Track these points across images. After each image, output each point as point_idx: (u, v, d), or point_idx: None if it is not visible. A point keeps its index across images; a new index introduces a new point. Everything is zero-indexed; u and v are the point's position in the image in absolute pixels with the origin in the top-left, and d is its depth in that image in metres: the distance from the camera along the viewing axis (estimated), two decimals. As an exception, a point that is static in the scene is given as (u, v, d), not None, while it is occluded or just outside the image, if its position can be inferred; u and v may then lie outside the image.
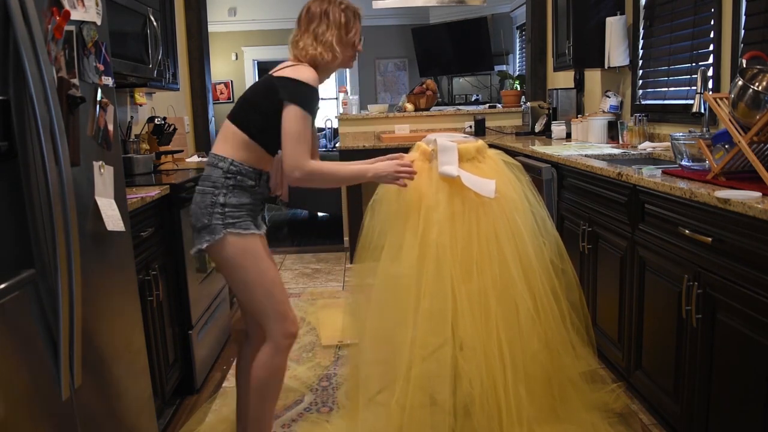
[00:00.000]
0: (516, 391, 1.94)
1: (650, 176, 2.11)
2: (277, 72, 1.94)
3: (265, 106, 1.90)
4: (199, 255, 1.94)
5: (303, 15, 2.02)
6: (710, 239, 1.77)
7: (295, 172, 1.87)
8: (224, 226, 1.85)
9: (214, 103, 4.89)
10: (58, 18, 1.37)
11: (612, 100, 3.70)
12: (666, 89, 3.23)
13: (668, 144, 2.82)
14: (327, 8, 1.98)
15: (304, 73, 1.90)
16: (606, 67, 3.65)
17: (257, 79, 8.98)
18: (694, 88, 2.66)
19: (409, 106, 5.22)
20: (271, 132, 1.89)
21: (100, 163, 1.60)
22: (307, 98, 1.88)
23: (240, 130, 1.91)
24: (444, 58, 8.41)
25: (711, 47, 2.77)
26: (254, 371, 1.97)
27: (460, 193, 2.00)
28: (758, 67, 1.97)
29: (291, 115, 1.86)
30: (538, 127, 4.63)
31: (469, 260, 1.99)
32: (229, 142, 1.92)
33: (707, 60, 2.80)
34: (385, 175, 1.98)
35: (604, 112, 3.72)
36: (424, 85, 5.32)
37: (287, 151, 1.86)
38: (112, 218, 1.61)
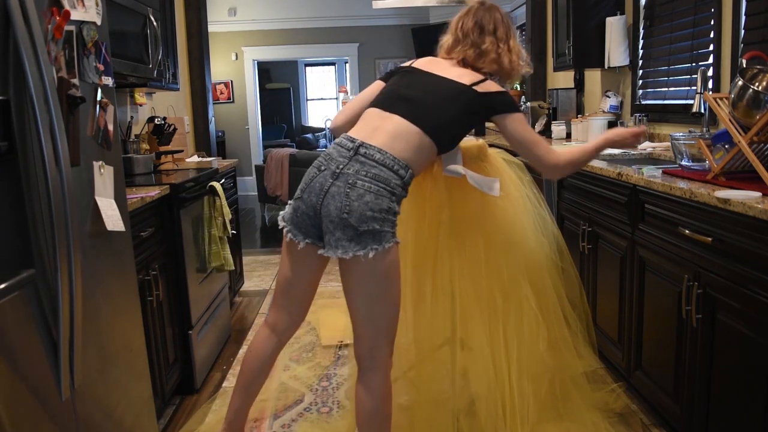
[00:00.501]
0: (520, 390, 1.94)
1: (650, 176, 2.11)
2: (479, 87, 1.84)
3: (469, 124, 1.88)
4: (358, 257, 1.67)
5: (486, 26, 1.91)
6: (710, 239, 1.77)
7: (549, 171, 1.91)
8: (393, 235, 1.69)
9: (214, 103, 4.90)
10: (58, 18, 1.37)
11: (612, 100, 3.70)
12: (666, 89, 3.23)
13: (668, 144, 2.82)
14: (501, 17, 1.94)
15: (497, 85, 1.90)
16: (606, 67, 3.65)
17: (256, 80, 8.99)
18: (694, 88, 2.66)
19: (409, 106, 5.21)
20: (458, 133, 1.88)
21: (100, 163, 1.60)
22: (514, 100, 1.89)
23: (427, 136, 1.75)
24: (444, 58, 8.40)
25: (711, 47, 2.77)
26: (374, 405, 1.75)
27: (465, 192, 2.01)
28: (758, 67, 1.97)
29: (520, 122, 1.85)
30: (538, 127, 4.63)
31: (474, 260, 1.99)
32: (413, 147, 1.74)
33: (707, 60, 2.80)
34: (622, 140, 2.00)
35: (604, 112, 3.73)
36: (424, 85, 5.31)
37: (543, 155, 1.86)
38: (112, 218, 1.61)
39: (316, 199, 1.69)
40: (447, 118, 1.80)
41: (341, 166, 1.69)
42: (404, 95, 1.83)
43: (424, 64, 1.94)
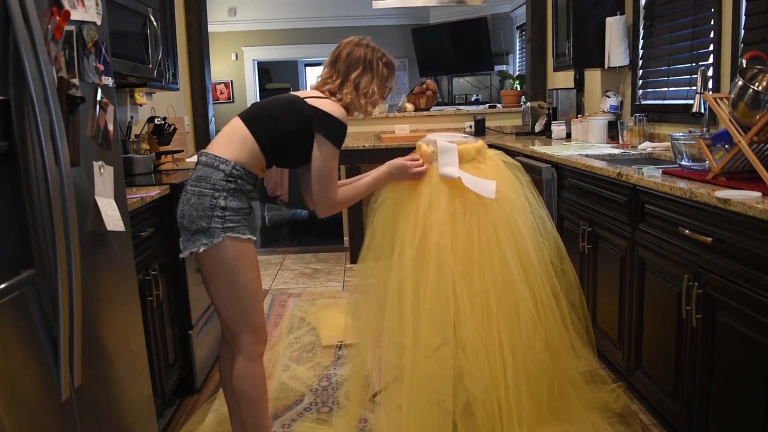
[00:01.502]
0: (517, 391, 1.94)
1: (650, 176, 2.11)
2: (312, 101, 1.93)
3: (292, 128, 1.91)
4: (189, 258, 1.90)
5: (341, 57, 2.00)
6: (710, 239, 1.77)
7: (324, 209, 1.97)
8: (224, 230, 1.82)
9: (214, 103, 4.90)
10: (58, 18, 1.37)
11: (612, 100, 3.70)
12: (666, 89, 3.23)
13: (668, 144, 2.82)
14: (370, 59, 1.99)
15: (340, 111, 1.93)
16: (606, 67, 3.65)
17: (256, 81, 8.99)
18: (694, 88, 2.66)
19: (409, 106, 5.22)
20: (285, 153, 1.94)
21: (100, 163, 1.60)
22: (342, 138, 1.93)
23: (253, 138, 1.88)
24: (444, 58, 8.41)
25: (711, 47, 2.77)
26: (235, 385, 1.96)
27: (461, 194, 2.01)
28: (758, 67, 1.97)
29: (328, 153, 1.90)
30: (538, 127, 4.63)
31: (470, 261, 1.99)
32: (236, 145, 1.88)
33: (707, 60, 2.80)
34: (399, 173, 2.06)
35: (604, 112, 3.72)
36: (424, 85, 5.32)
37: (319, 190, 1.93)
38: (112, 218, 1.61)
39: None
40: (271, 120, 1.92)
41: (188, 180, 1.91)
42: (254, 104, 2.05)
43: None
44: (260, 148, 1.89)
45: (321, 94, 1.97)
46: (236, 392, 1.97)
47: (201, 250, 1.83)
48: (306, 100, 1.93)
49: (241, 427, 2.05)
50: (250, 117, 1.93)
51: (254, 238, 1.92)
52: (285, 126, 1.91)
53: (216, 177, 1.83)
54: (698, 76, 2.60)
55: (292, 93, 2.02)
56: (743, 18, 2.51)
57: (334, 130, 1.90)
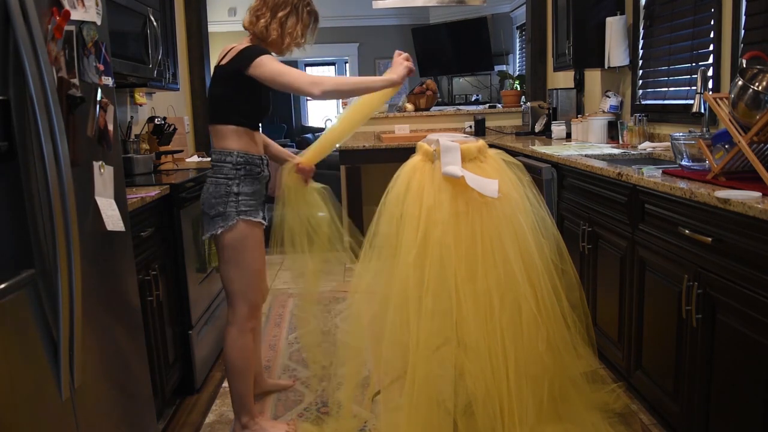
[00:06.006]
0: (518, 390, 1.94)
1: (650, 176, 2.11)
2: (224, 60, 2.10)
3: (227, 89, 2.09)
4: (209, 240, 2.18)
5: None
6: (710, 239, 1.77)
7: (313, 88, 2.02)
8: (237, 213, 2.08)
9: (214, 103, 4.88)
10: (58, 18, 1.37)
11: (612, 100, 3.70)
12: (666, 89, 3.23)
13: (668, 144, 2.82)
14: (296, 3, 2.17)
15: (244, 44, 2.11)
16: (606, 67, 3.65)
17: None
18: (694, 88, 2.65)
19: (409, 106, 5.22)
20: (241, 105, 2.10)
21: (100, 163, 1.60)
22: (263, 50, 2.08)
23: (222, 125, 2.11)
24: (444, 58, 8.41)
25: (711, 47, 2.77)
26: (225, 354, 2.21)
27: (463, 193, 2.01)
28: (758, 67, 1.97)
29: (264, 62, 2.02)
30: (538, 127, 4.63)
31: (472, 260, 1.99)
32: (223, 138, 2.11)
33: (707, 60, 2.80)
34: (399, 70, 2.14)
35: (604, 112, 3.72)
36: (424, 85, 5.32)
37: (292, 80, 2.02)
38: (112, 218, 1.61)
39: None
40: (215, 103, 2.14)
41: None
42: None
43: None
44: (233, 124, 2.10)
45: (228, 49, 2.12)
46: (225, 360, 2.23)
47: (219, 232, 2.09)
48: (220, 63, 2.10)
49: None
50: (209, 115, 2.18)
51: (265, 223, 2.19)
52: (225, 93, 2.09)
53: (227, 167, 2.09)
54: (698, 76, 2.60)
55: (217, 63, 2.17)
56: (743, 18, 2.51)
57: (252, 52, 2.05)
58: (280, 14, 2.13)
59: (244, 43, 2.15)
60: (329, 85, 2.05)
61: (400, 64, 2.14)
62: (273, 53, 2.16)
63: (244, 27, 2.19)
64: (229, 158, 2.09)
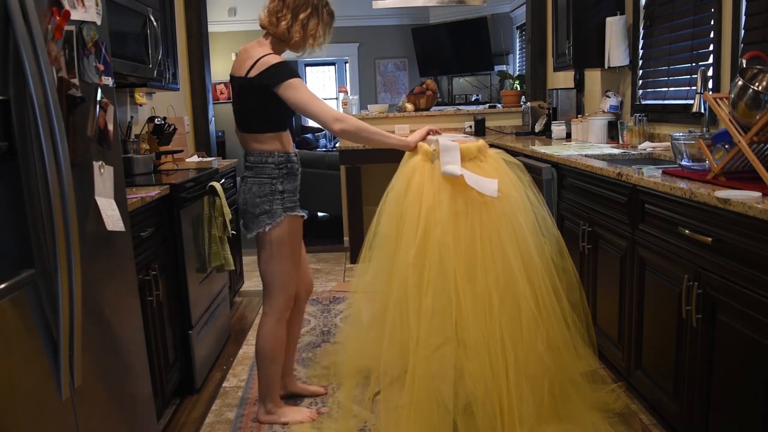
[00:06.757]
0: (518, 390, 1.94)
1: (650, 176, 2.11)
2: (252, 71, 2.11)
3: (260, 101, 2.13)
4: (255, 237, 2.23)
5: None
6: (710, 239, 1.77)
7: (335, 124, 2.09)
8: (284, 210, 2.18)
9: (214, 103, 4.89)
10: (58, 18, 1.37)
11: (612, 100, 3.70)
12: (666, 89, 3.23)
13: (668, 144, 2.82)
14: (316, 3, 2.18)
15: (274, 58, 2.12)
16: (606, 67, 3.65)
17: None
18: (694, 88, 2.65)
19: (409, 106, 5.22)
20: (276, 113, 2.17)
21: (100, 163, 1.60)
22: (290, 69, 2.12)
23: (256, 134, 2.18)
24: (444, 58, 8.41)
25: (711, 47, 2.77)
26: (259, 341, 2.28)
27: (463, 192, 2.01)
28: (758, 67, 1.97)
29: (295, 85, 2.09)
30: (538, 127, 4.63)
31: (472, 259, 1.99)
32: (262, 142, 2.18)
33: (707, 60, 2.80)
34: (416, 136, 2.21)
35: (604, 112, 3.72)
36: (424, 85, 5.32)
37: (318, 111, 2.10)
38: (112, 218, 1.61)
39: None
40: (249, 111, 2.19)
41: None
42: None
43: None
44: (265, 132, 2.17)
45: (260, 53, 2.13)
46: (258, 347, 2.29)
47: (266, 229, 2.17)
48: (248, 76, 2.12)
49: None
50: (239, 124, 2.24)
51: (306, 215, 2.30)
52: (259, 104, 2.14)
53: (269, 168, 2.17)
54: (698, 76, 2.60)
55: (234, 76, 2.20)
56: (743, 18, 2.51)
57: (283, 71, 2.09)
58: (302, 16, 2.15)
59: (264, 46, 2.17)
60: (350, 126, 2.12)
61: (422, 132, 2.21)
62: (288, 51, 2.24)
63: (261, 26, 2.19)
64: (271, 159, 2.17)
